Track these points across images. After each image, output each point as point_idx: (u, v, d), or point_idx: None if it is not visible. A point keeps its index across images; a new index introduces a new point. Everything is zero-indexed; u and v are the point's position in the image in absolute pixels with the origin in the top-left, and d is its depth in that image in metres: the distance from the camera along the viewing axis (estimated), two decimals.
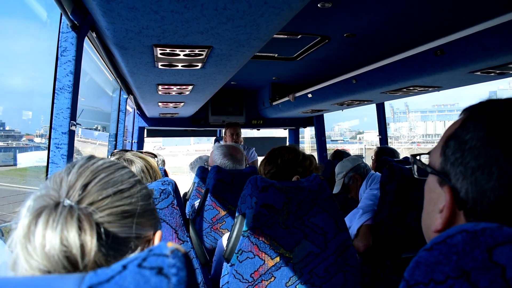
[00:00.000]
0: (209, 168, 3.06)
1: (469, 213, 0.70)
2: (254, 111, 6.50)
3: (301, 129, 7.35)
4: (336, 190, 3.35)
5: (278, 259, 1.63)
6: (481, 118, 0.72)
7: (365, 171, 3.25)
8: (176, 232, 1.78)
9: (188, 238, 1.81)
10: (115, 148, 5.15)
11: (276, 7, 1.55)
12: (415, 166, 0.92)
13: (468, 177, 0.69)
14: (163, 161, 5.14)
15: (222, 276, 1.69)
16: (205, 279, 1.84)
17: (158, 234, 0.87)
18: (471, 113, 0.75)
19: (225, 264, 1.69)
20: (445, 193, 0.73)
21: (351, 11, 2.54)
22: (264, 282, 1.63)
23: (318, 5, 2.39)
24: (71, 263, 0.68)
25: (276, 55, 3.91)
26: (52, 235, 0.68)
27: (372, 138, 66.99)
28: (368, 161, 4.43)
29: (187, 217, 2.99)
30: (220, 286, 1.68)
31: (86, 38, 2.24)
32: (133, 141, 6.34)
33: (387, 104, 5.26)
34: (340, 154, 5.16)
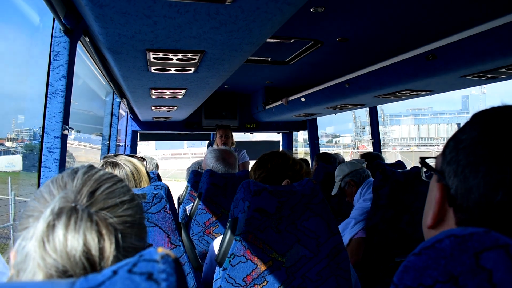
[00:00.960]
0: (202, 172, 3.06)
1: (457, 210, 0.72)
2: (248, 115, 6.50)
3: (294, 133, 7.36)
4: (333, 191, 3.37)
5: (270, 263, 1.63)
6: (477, 121, 0.74)
7: (361, 178, 3.24)
8: (169, 237, 1.77)
9: (180, 242, 1.81)
10: (108, 152, 5.14)
11: (268, 12, 1.55)
12: (423, 168, 0.93)
13: (459, 174, 0.71)
14: (157, 165, 5.13)
15: (214, 280, 1.68)
16: (197, 284, 1.84)
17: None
18: (473, 117, 0.77)
19: (217, 268, 1.68)
20: (437, 190, 0.75)
21: (343, 15, 2.55)
22: (257, 286, 1.63)
23: (311, 9, 2.40)
24: (90, 264, 0.69)
25: (269, 59, 3.92)
26: (75, 236, 0.69)
27: (347, 142, 68.66)
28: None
29: (180, 221, 2.99)
30: None
31: (78, 42, 2.23)
32: (126, 145, 6.32)
33: (363, 108, 5.27)
34: (324, 156, 5.12)
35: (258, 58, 3.88)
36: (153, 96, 3.61)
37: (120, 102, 5.21)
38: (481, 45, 2.27)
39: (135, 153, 6.46)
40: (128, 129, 6.34)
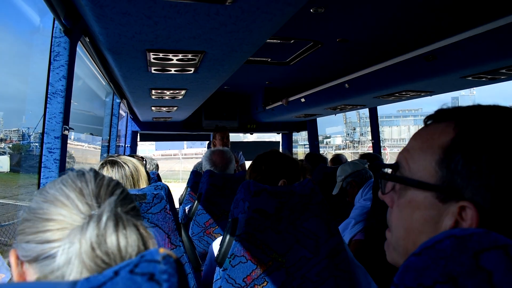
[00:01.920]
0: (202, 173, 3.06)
1: (493, 226, 0.65)
2: (247, 116, 6.50)
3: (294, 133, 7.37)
4: (335, 191, 3.37)
5: (270, 263, 1.63)
6: (482, 127, 0.70)
7: (363, 179, 3.23)
8: (169, 237, 1.78)
9: (180, 242, 1.81)
10: (108, 152, 5.14)
11: (268, 12, 1.55)
12: (387, 183, 0.85)
13: (494, 189, 0.66)
14: (157, 165, 5.13)
15: (214, 280, 1.68)
16: (197, 284, 1.84)
17: None
18: (465, 123, 0.73)
19: (217, 268, 1.68)
20: (467, 210, 0.67)
21: (343, 16, 2.55)
22: (257, 287, 1.63)
23: (311, 10, 2.40)
24: None
25: (269, 60, 3.92)
26: (127, 239, 0.70)
27: (338, 142, 68.74)
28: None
29: (180, 221, 2.99)
30: None
31: (79, 42, 2.23)
32: (126, 145, 6.32)
33: (363, 109, 5.27)
34: (315, 157, 5.10)
35: (258, 59, 3.88)
36: (153, 97, 3.61)
37: (120, 103, 5.21)
38: (481, 46, 2.27)
39: (135, 154, 6.47)
40: (128, 130, 6.33)
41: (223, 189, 2.91)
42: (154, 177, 2.97)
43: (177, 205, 4.52)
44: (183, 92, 3.38)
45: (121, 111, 5.63)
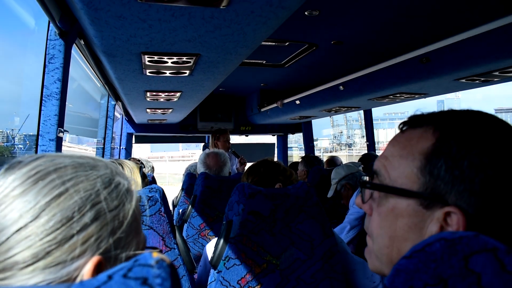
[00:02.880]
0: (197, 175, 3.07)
1: (479, 230, 0.65)
2: (243, 117, 6.51)
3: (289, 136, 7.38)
4: (329, 194, 3.37)
5: (265, 265, 1.63)
6: (460, 131, 0.70)
7: (357, 181, 3.24)
8: (163, 239, 1.78)
9: (175, 245, 1.81)
10: (103, 155, 5.14)
11: (262, 16, 1.56)
12: (368, 192, 0.83)
13: (478, 193, 0.66)
14: (152, 167, 5.13)
15: (209, 283, 1.69)
16: (192, 286, 1.84)
17: None
18: (445, 128, 0.72)
19: (212, 271, 1.69)
20: (452, 215, 0.67)
21: (338, 19, 2.56)
22: None
23: (306, 13, 2.41)
24: None
25: (264, 62, 3.92)
26: None
27: (325, 145, 69.43)
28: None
29: (174, 223, 3.00)
30: None
31: (74, 45, 2.23)
32: (121, 147, 6.31)
33: (357, 111, 5.28)
34: (311, 159, 5.11)
35: (253, 61, 3.88)
36: (148, 99, 3.61)
37: (115, 105, 5.20)
38: (474, 49, 2.28)
39: (130, 155, 6.46)
40: (123, 132, 6.32)
41: (218, 191, 2.91)
42: (149, 179, 2.97)
43: (170, 207, 4.52)
44: (178, 94, 3.38)
45: (116, 113, 5.63)
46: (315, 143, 7.28)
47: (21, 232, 0.59)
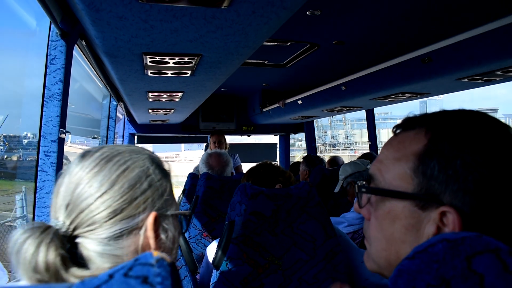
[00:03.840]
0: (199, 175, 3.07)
1: (475, 228, 0.66)
2: (245, 118, 6.50)
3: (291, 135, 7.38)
4: (336, 189, 3.38)
5: (267, 266, 1.63)
6: (450, 131, 0.71)
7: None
8: None
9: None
10: None
11: (264, 16, 1.56)
12: (366, 196, 0.83)
13: (472, 191, 0.66)
14: None
15: (211, 283, 1.69)
16: (194, 287, 1.84)
17: None
18: (437, 129, 0.73)
19: (214, 271, 1.69)
20: (448, 215, 0.67)
21: (340, 18, 2.56)
22: None
23: (307, 12, 2.41)
24: None
25: (266, 62, 3.92)
26: None
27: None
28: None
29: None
30: None
31: (75, 46, 2.24)
32: None
33: (359, 110, 5.29)
34: (312, 159, 5.10)
35: (255, 61, 3.88)
36: (150, 99, 3.61)
37: (117, 105, 5.21)
38: (477, 48, 2.28)
39: None
40: (125, 132, 6.33)
41: (220, 192, 2.91)
42: None
43: None
44: (180, 94, 3.38)
45: (118, 114, 5.63)
46: (299, 143, 7.27)
47: (103, 196, 0.84)
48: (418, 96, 3.66)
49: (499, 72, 2.50)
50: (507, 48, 2.12)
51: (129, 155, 0.92)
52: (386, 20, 2.58)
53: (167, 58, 2.15)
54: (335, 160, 5.44)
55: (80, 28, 2.12)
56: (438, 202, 0.69)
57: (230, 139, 5.50)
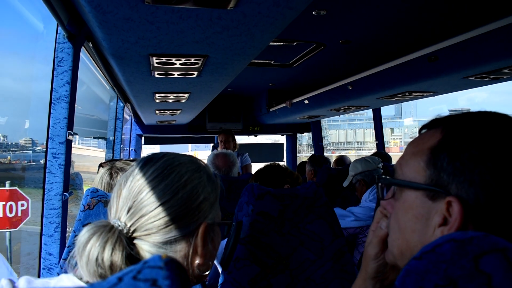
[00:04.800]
0: None
1: (480, 221, 0.69)
2: (251, 118, 6.51)
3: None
4: (345, 183, 3.37)
5: (275, 266, 1.63)
6: (469, 129, 0.73)
7: (373, 179, 3.21)
8: None
9: None
10: (113, 156, 5.16)
11: (270, 16, 1.56)
12: (384, 188, 0.89)
13: (477, 183, 0.68)
14: None
15: (219, 284, 1.69)
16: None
17: None
18: (451, 126, 0.76)
19: (222, 272, 1.69)
20: (453, 204, 0.70)
21: (346, 18, 2.55)
22: None
23: (313, 12, 2.40)
24: None
25: (272, 62, 3.92)
26: None
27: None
28: None
29: None
30: None
31: (82, 48, 2.25)
32: (130, 149, 6.34)
33: (366, 110, 5.28)
34: (319, 159, 5.08)
35: (261, 61, 3.88)
36: (156, 100, 3.62)
37: (124, 107, 5.23)
38: (483, 47, 2.27)
39: (140, 157, 6.46)
40: (132, 133, 6.35)
41: (227, 192, 2.91)
42: None
43: None
44: (186, 95, 3.39)
45: (125, 115, 5.65)
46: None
47: (163, 205, 0.89)
48: (425, 95, 3.65)
49: (506, 70, 2.48)
50: None
51: (189, 167, 0.98)
52: (392, 19, 2.57)
53: (173, 59, 2.16)
54: (342, 160, 5.42)
55: (87, 30, 2.13)
56: (446, 192, 0.72)
57: (237, 139, 5.47)
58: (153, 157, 0.98)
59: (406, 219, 0.79)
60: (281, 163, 2.25)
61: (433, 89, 3.35)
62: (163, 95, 3.33)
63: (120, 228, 0.88)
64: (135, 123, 6.25)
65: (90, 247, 0.83)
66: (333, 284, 1.69)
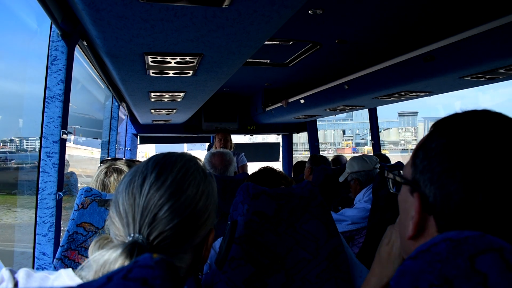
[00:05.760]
0: None
1: (438, 217, 0.72)
2: (247, 117, 6.50)
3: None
4: (340, 179, 3.37)
5: (270, 266, 1.62)
6: (443, 128, 0.76)
7: (369, 179, 3.21)
8: None
9: None
10: (108, 155, 5.14)
11: (265, 15, 1.55)
12: (391, 181, 0.95)
13: (435, 182, 0.72)
14: None
15: (214, 284, 1.68)
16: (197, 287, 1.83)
17: None
18: (436, 125, 0.80)
19: (217, 271, 1.68)
20: (415, 200, 0.76)
21: (342, 17, 2.55)
22: None
23: (309, 11, 2.40)
24: None
25: (268, 61, 3.92)
26: None
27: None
28: None
29: None
30: None
31: (76, 46, 2.24)
32: (126, 148, 6.32)
33: (362, 109, 5.30)
34: (317, 159, 5.09)
35: (257, 60, 3.88)
36: (152, 100, 3.61)
37: (119, 106, 5.21)
38: (479, 47, 2.27)
39: (135, 156, 6.47)
40: (127, 132, 6.33)
41: (222, 192, 2.90)
42: None
43: None
44: (182, 94, 3.38)
45: (120, 114, 5.64)
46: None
47: (178, 223, 0.89)
48: (421, 94, 3.65)
49: (502, 70, 2.49)
50: (510, 46, 2.11)
51: (200, 178, 0.99)
52: (388, 19, 2.57)
53: (168, 58, 2.15)
54: (338, 159, 5.43)
55: (81, 28, 2.12)
56: (415, 188, 0.78)
57: (233, 139, 5.47)
58: (165, 170, 0.95)
59: (401, 211, 0.87)
60: (276, 163, 2.24)
61: (429, 89, 3.36)
62: (158, 94, 3.32)
63: (144, 245, 0.86)
64: (131, 122, 6.24)
65: (118, 265, 0.79)
66: (328, 284, 1.68)
